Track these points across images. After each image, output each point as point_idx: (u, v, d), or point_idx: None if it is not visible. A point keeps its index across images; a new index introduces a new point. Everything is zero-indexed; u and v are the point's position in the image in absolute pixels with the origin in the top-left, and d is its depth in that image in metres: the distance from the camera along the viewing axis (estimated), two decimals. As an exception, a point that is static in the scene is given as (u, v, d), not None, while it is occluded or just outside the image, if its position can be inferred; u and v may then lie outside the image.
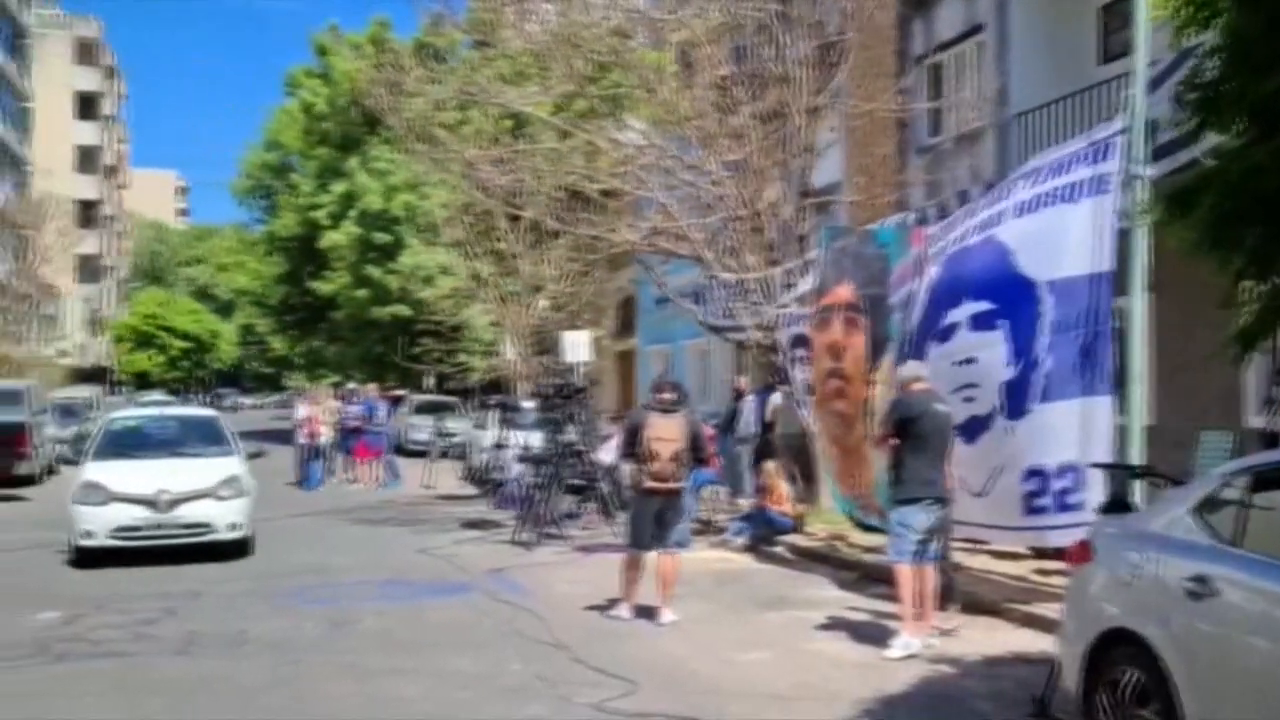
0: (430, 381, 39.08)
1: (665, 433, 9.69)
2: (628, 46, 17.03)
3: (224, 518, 13.26)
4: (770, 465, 14.88)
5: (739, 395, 17.59)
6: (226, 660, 8.64)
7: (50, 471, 24.57)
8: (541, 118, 18.36)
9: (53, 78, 68.19)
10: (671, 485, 9.75)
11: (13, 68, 58.06)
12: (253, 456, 15.22)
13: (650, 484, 9.72)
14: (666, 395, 9.96)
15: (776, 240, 15.80)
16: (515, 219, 23.41)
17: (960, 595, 9.86)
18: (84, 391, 39.46)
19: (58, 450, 25.68)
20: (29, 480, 21.83)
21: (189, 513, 13.08)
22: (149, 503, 12.96)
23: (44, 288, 53.17)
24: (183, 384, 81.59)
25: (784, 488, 14.53)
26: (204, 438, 14.86)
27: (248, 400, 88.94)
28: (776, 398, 16.16)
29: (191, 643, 9.17)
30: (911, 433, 8.78)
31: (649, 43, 17.46)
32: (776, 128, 15.83)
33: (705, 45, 16.21)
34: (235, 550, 13.43)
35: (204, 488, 13.25)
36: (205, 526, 13.14)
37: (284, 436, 25.72)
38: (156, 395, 46.58)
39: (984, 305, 10.07)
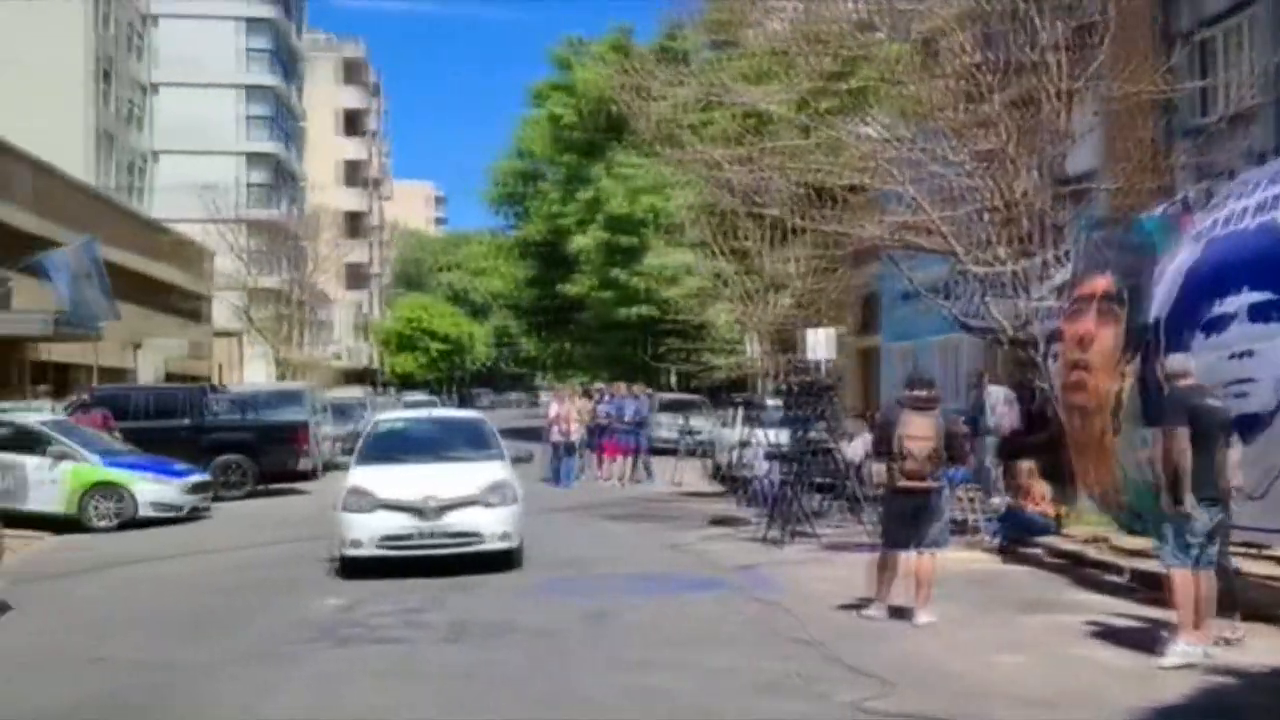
0: (672, 380, 39.61)
1: (919, 430, 9.52)
2: (872, 39, 16.80)
3: (493, 526, 12.38)
4: (1026, 465, 14.38)
5: (980, 386, 17.03)
6: (493, 649, 9.01)
7: (327, 468, 26.22)
8: (785, 115, 18.34)
9: (321, 97, 72.88)
10: (926, 484, 9.58)
11: (288, 90, 62.32)
12: (519, 461, 14.63)
13: (904, 483, 9.57)
14: (921, 392, 9.78)
15: (1030, 231, 15.26)
16: (758, 217, 23.49)
17: (1243, 602, 9.28)
18: (354, 392, 41.98)
19: (333, 448, 27.35)
20: (308, 475, 23.35)
21: (457, 521, 12.27)
22: (416, 510, 12.18)
23: (318, 295, 56.86)
24: (440, 384, 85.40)
25: (1041, 487, 14.02)
26: (470, 441, 14.13)
27: (490, 398, 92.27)
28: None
29: (460, 631, 9.61)
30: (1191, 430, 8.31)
31: (893, 35, 17.17)
32: (1029, 115, 15.28)
33: (952, 33, 15.82)
34: (503, 562, 12.46)
35: (472, 494, 12.42)
36: (474, 536, 12.31)
37: (534, 434, 26.60)
38: (419, 395, 48.99)
39: (1264, 295, 9.43)
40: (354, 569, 12.15)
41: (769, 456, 17.32)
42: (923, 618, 9.57)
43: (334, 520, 12.57)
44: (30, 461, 17.24)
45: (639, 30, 43.89)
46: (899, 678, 7.73)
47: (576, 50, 44.92)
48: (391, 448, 13.71)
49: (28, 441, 17.59)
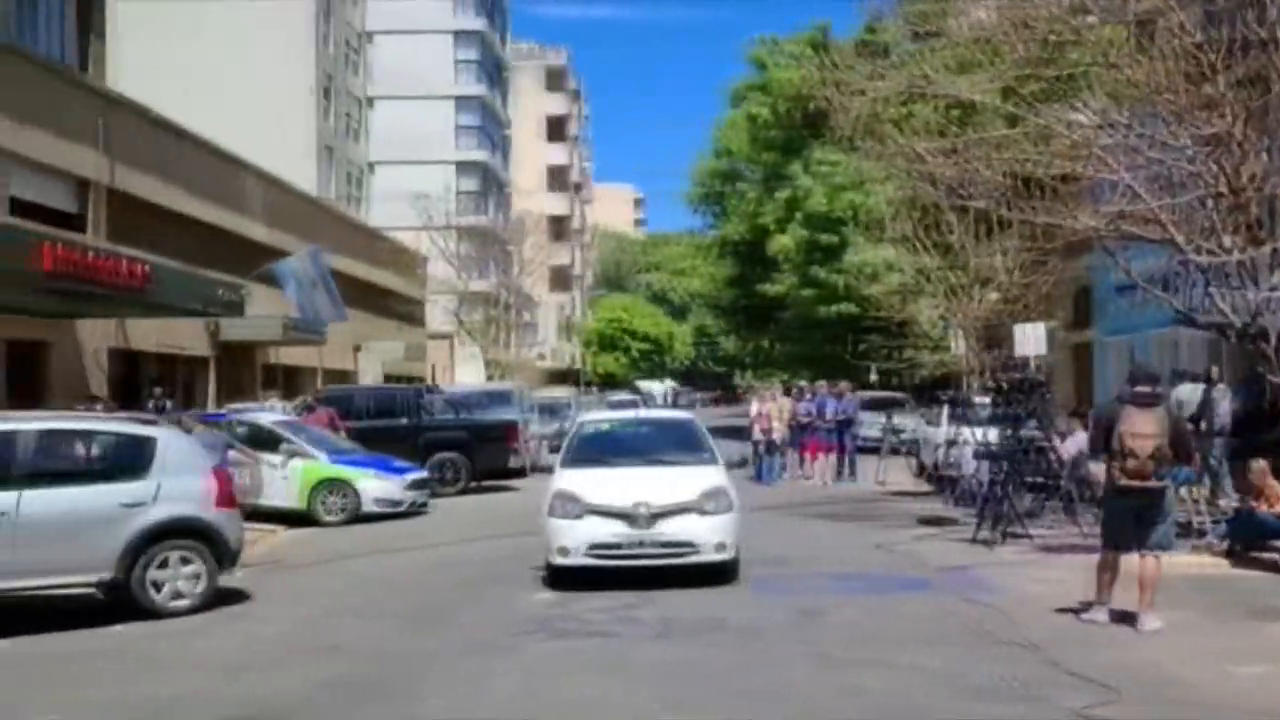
0: (874, 378, 39.10)
1: (1143, 428, 9.16)
2: (1084, 22, 16.20)
3: (709, 536, 11.48)
4: (1260, 464, 13.62)
5: (1208, 382, 16.20)
6: (703, 645, 9.13)
7: (535, 467, 26.96)
8: (990, 104, 17.87)
9: (526, 105, 75.02)
10: (1150, 484, 9.21)
11: (496, 99, 64.35)
12: (734, 466, 13.82)
13: (1126, 482, 9.23)
14: (1144, 387, 9.40)
15: (1260, 217, 14.44)
16: (963, 210, 22.95)
17: None
18: (560, 391, 42.99)
19: (540, 446, 28.08)
20: (519, 473, 24.05)
21: (671, 529, 11.42)
22: (627, 517, 11.38)
23: (525, 297, 58.48)
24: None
25: (1277, 488, 13.25)
26: (681, 444, 13.20)
27: (690, 396, 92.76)
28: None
29: (670, 627, 9.77)
30: None
31: (1106, 17, 16.51)
32: (1258, 94, 14.46)
33: (1171, 13, 15.10)
34: (719, 575, 11.56)
35: (686, 500, 11.53)
36: (689, 546, 11.44)
37: (736, 433, 26.66)
38: (623, 395, 49.77)
39: None
40: (562, 579, 11.58)
41: (978, 455, 16.93)
42: (1148, 623, 9.22)
43: (541, 525, 11.99)
44: (265, 459, 18.31)
45: (835, 27, 43.52)
46: (1124, 685, 7.48)
47: (772, 50, 44.85)
48: (599, 450, 13.04)
49: (262, 440, 18.68)
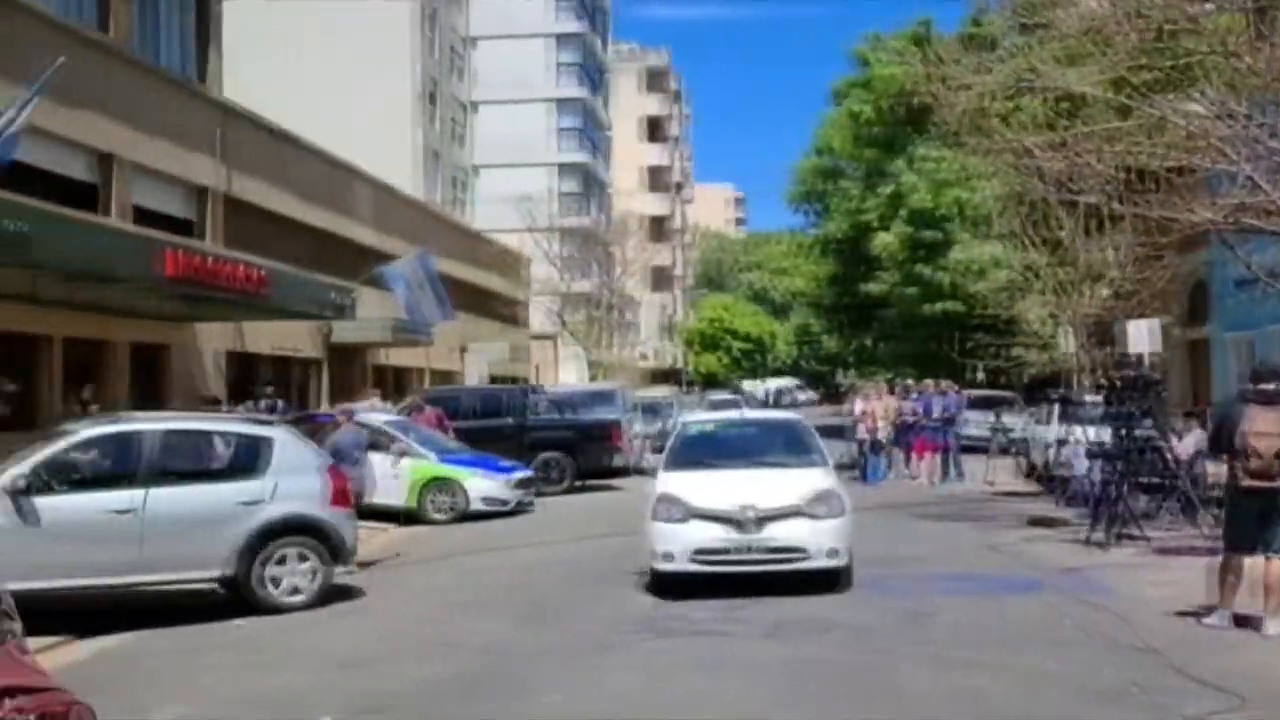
0: (980, 376, 38.48)
1: (1267, 426, 8.88)
2: (1201, 10, 15.76)
3: (820, 541, 10.99)
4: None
5: None
6: (812, 645, 9.10)
7: (638, 470, 27.09)
8: (1101, 96, 17.48)
9: (625, 106, 75.36)
10: (1275, 484, 8.92)
11: (596, 101, 64.81)
12: (843, 468, 13.39)
13: (1249, 483, 8.96)
14: (1269, 385, 9.12)
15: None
16: (1071, 205, 22.48)
17: None
18: (662, 391, 43.08)
19: (643, 445, 28.19)
20: (622, 472, 24.19)
21: (779, 534, 10.98)
22: (733, 521, 10.95)
23: (625, 298, 58.81)
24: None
25: None
26: (787, 445, 12.80)
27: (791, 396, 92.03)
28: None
29: (779, 626, 9.76)
30: None
31: (1224, 4, 16.05)
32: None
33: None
34: (830, 583, 11.10)
35: (794, 504, 11.08)
36: (798, 552, 10.96)
37: (839, 432, 26.45)
38: (724, 394, 49.71)
39: None
40: (666, 585, 11.16)
41: (1091, 455, 16.58)
42: (1273, 628, 8.94)
43: (644, 529, 11.61)
44: (376, 459, 18.68)
45: (938, 22, 42.92)
46: (1250, 693, 7.27)
47: (875, 46, 44.42)
48: (703, 452, 12.61)
49: (373, 440, 19.06)
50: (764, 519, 10.98)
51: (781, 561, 11.00)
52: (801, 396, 79.27)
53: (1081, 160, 16.79)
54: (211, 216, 23.39)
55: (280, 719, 7.72)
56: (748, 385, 72.55)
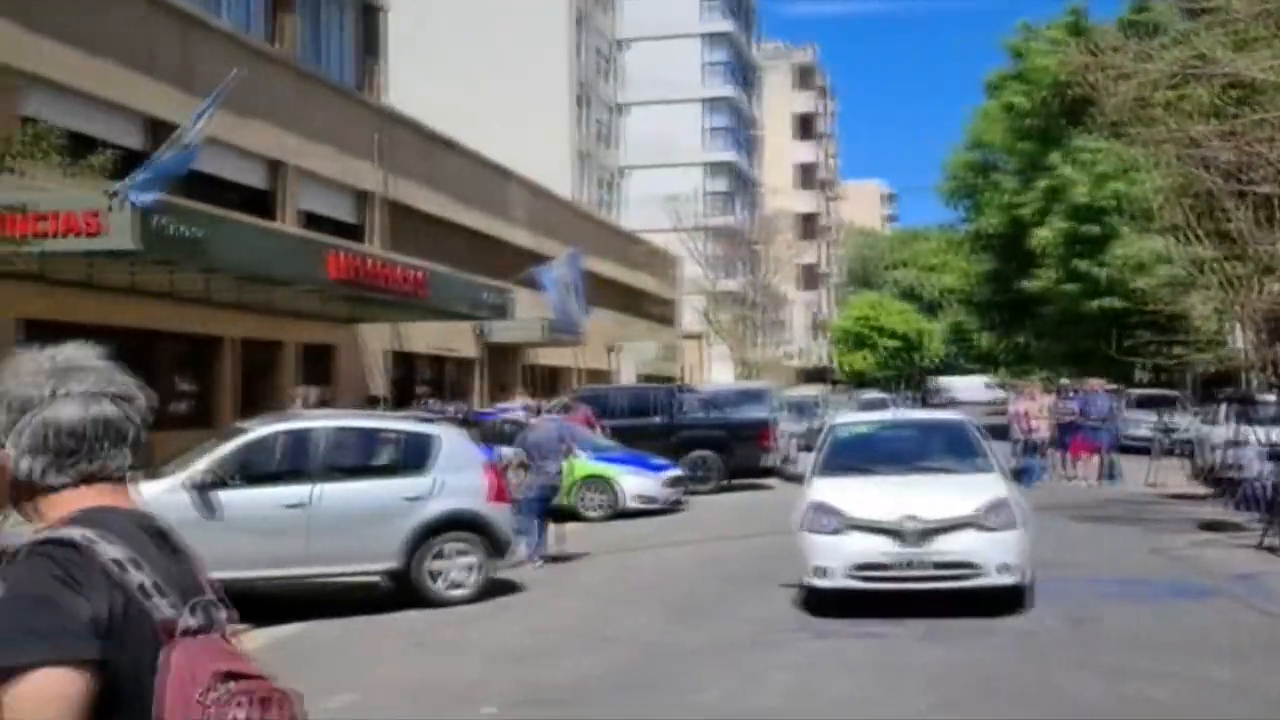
0: (1143, 375, 37.15)
1: None
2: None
3: (994, 556, 9.94)
4: None
5: None
6: (972, 648, 8.95)
7: (784, 461, 26.95)
8: (1274, 82, 16.74)
9: (774, 104, 75.08)
10: None
11: (744, 100, 64.75)
12: (1018, 475, 12.41)
13: None
14: None
15: None
16: (1243, 196, 21.59)
17: None
18: (811, 390, 42.84)
19: (790, 444, 28.06)
20: (772, 472, 24.10)
21: (947, 548, 9.97)
22: (895, 533, 10.01)
23: (774, 296, 58.59)
24: (893, 381, 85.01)
25: None
26: (953, 449, 11.75)
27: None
28: None
29: (938, 629, 9.59)
30: None
31: None
32: None
33: None
34: (1005, 603, 9.98)
35: (964, 514, 10.10)
36: (970, 568, 9.95)
37: (994, 432, 25.88)
38: (874, 393, 49.10)
39: None
40: (823, 603, 10.30)
41: (1273, 456, 15.87)
42: None
43: (796, 542, 10.62)
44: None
45: (1092, 10, 41.64)
46: None
47: (1029, 37, 43.29)
48: (858, 456, 11.70)
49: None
50: (930, 531, 9.99)
51: (950, 578, 10.00)
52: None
53: (1253, 150, 16.18)
54: (373, 220, 24.20)
55: (445, 709, 7.96)
56: (945, 381, 70.00)
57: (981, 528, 10.03)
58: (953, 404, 59.56)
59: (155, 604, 1.82)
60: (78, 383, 1.93)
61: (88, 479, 1.93)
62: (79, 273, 14.51)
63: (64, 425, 1.91)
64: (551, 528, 14.71)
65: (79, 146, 12.78)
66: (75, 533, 1.81)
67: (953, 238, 55.47)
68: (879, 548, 10.04)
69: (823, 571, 10.21)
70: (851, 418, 15.80)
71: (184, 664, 1.79)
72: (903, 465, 11.44)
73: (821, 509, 10.38)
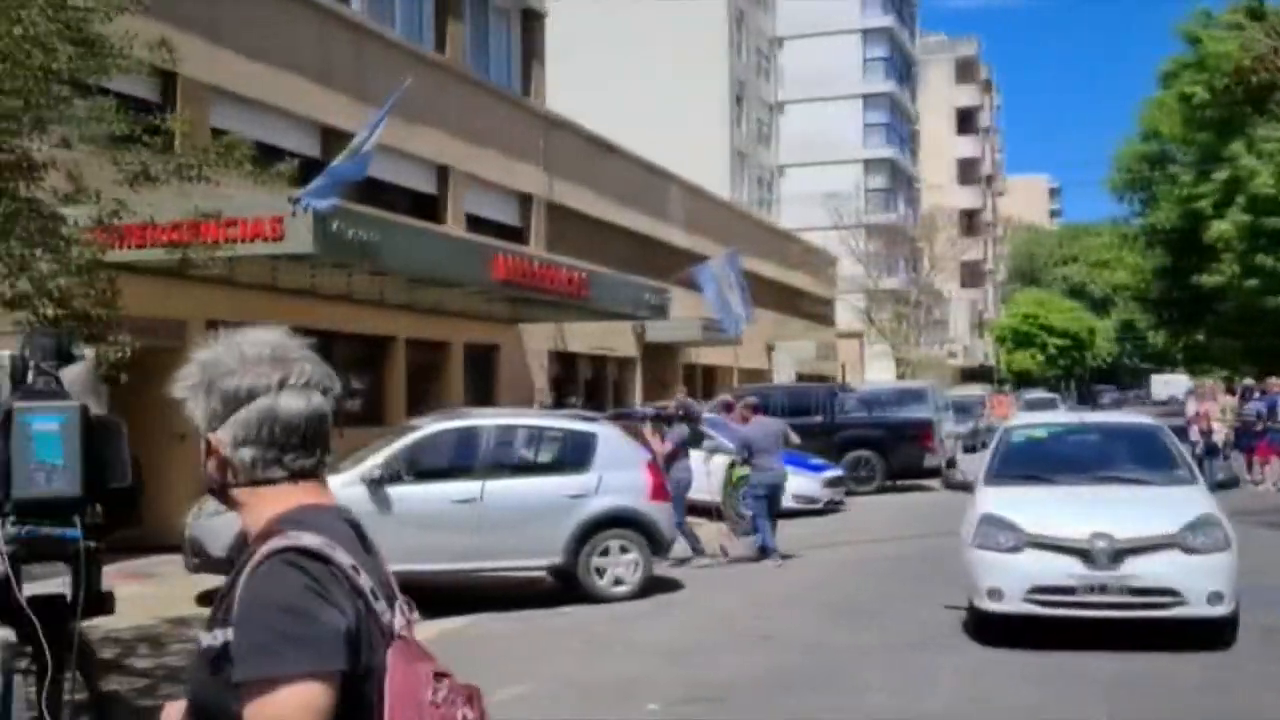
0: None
1: None
2: None
3: (1199, 583, 8.75)
4: None
5: None
6: (1157, 659, 8.61)
7: (950, 465, 26.44)
8: None
9: (934, 98, 73.63)
10: None
11: (904, 95, 63.74)
12: (1221, 486, 11.20)
13: None
14: None
15: None
16: None
17: None
18: (973, 389, 41.90)
19: (955, 445, 27.54)
20: (934, 472, 23.67)
21: (1143, 571, 8.79)
22: (1082, 553, 8.84)
23: (935, 294, 57.50)
24: (1060, 381, 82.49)
25: None
26: (1143, 456, 10.57)
27: (1113, 395, 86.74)
28: None
29: (1116, 638, 9.25)
30: None
31: None
32: None
33: None
34: (1211, 636, 8.88)
35: (1164, 533, 8.95)
36: (1170, 595, 8.78)
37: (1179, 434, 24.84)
38: (1040, 393, 47.73)
39: None
40: (995, 634, 9.17)
41: None
42: None
43: (963, 559, 9.58)
44: (691, 455, 19.10)
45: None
46: None
47: (1206, 23, 41.46)
48: (1035, 462, 10.58)
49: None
50: (1122, 551, 8.78)
51: (1146, 606, 8.85)
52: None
53: None
54: (535, 222, 24.66)
55: (611, 704, 8.08)
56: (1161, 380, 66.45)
57: (1185, 549, 8.87)
58: (1115, 405, 56.75)
59: (381, 608, 1.83)
60: (299, 374, 1.88)
61: (302, 475, 1.89)
62: (263, 276, 15.19)
63: (289, 418, 1.86)
64: (716, 528, 14.76)
65: (261, 155, 13.38)
66: (314, 541, 1.78)
67: (1124, 232, 53.54)
68: (1064, 569, 8.87)
69: (997, 594, 9.07)
70: (1027, 420, 14.61)
71: (404, 665, 1.80)
72: (1087, 474, 10.24)
73: (995, 522, 9.27)
